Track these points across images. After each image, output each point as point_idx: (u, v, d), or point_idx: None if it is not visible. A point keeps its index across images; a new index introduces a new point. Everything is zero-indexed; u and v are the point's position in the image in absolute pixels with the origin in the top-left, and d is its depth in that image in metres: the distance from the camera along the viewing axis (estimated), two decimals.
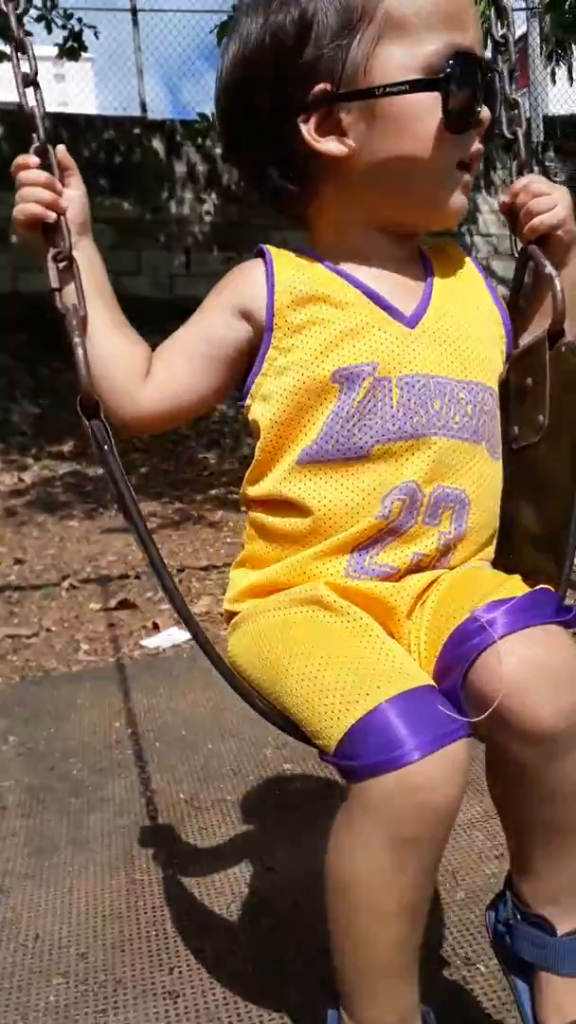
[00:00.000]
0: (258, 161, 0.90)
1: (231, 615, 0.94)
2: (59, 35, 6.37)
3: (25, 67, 0.92)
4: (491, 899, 0.89)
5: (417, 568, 0.85)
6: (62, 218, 0.87)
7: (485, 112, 0.84)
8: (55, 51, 6.48)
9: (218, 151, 7.02)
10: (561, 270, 0.89)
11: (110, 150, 6.84)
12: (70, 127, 6.71)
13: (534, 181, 0.92)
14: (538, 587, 0.79)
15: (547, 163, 7.78)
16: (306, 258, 0.90)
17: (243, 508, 0.93)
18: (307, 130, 0.84)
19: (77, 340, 0.83)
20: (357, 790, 0.69)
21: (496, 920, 0.86)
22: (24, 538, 4.01)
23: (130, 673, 2.35)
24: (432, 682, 0.74)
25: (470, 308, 0.92)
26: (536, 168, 7.71)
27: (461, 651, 0.73)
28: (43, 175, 0.87)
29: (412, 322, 0.86)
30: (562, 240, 0.91)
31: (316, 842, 1.46)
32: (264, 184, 0.90)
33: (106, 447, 0.81)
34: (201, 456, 5.45)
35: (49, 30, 6.24)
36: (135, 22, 7.32)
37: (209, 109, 6.63)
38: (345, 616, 0.79)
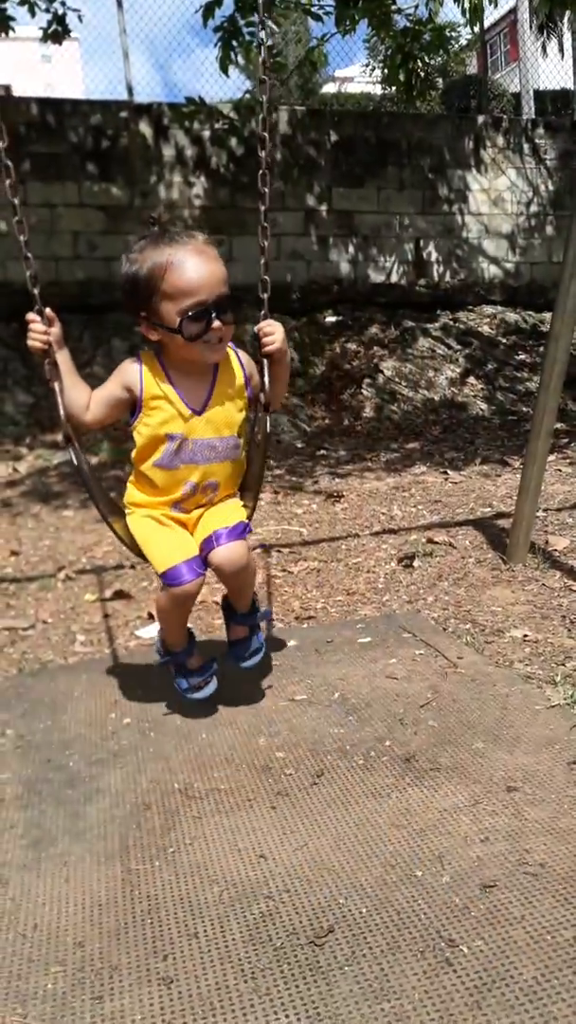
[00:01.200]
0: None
1: (127, 506, 1.98)
2: (43, 18, 6.30)
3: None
4: (223, 598, 2.12)
5: (197, 507, 1.94)
6: (51, 346, 1.84)
7: (216, 324, 1.76)
8: (39, 33, 6.41)
9: (207, 134, 6.96)
10: (276, 366, 1.93)
11: (97, 134, 6.77)
12: (56, 112, 6.65)
13: (266, 324, 1.88)
14: (238, 521, 1.89)
15: (536, 139, 7.71)
16: (159, 366, 1.85)
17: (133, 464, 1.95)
18: (143, 326, 1.82)
19: (59, 399, 1.86)
20: (167, 589, 1.83)
21: (225, 605, 2.12)
22: (19, 529, 4.03)
23: (126, 664, 2.38)
24: (198, 553, 1.85)
25: (230, 395, 1.89)
26: (526, 145, 7.65)
27: (206, 545, 1.86)
28: (41, 327, 1.83)
29: (200, 412, 1.86)
30: (278, 353, 1.91)
31: (308, 830, 1.51)
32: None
33: (77, 462, 1.91)
34: None
35: (32, 13, 6.16)
36: (120, 4, 7.22)
37: (198, 91, 6.55)
38: (168, 524, 1.92)
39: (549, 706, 1.91)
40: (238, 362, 1.92)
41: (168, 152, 6.93)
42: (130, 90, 7.04)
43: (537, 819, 1.49)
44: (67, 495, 4.65)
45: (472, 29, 6.16)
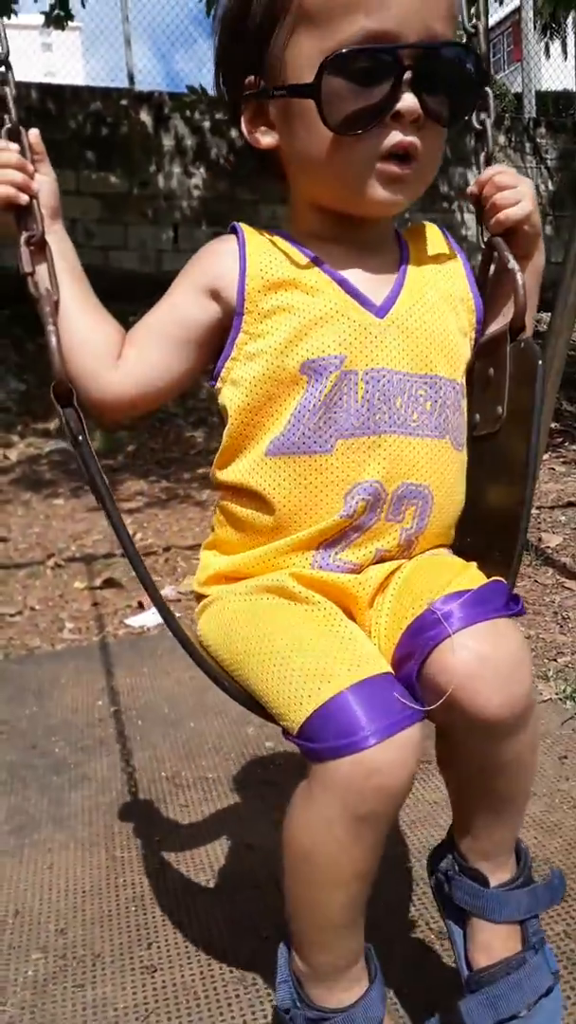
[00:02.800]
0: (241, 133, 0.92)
1: (200, 596, 0.97)
2: (45, 3, 6.23)
3: None
4: (432, 851, 0.96)
5: (379, 561, 0.89)
6: (34, 201, 0.88)
7: (406, 103, 0.78)
8: (41, 20, 6.35)
9: (207, 124, 6.92)
10: (525, 263, 0.92)
11: (97, 122, 6.72)
12: (56, 98, 6.59)
13: (500, 173, 0.92)
14: (491, 579, 0.82)
15: (538, 139, 7.71)
16: (279, 239, 0.90)
17: (214, 488, 0.96)
18: (244, 121, 0.89)
19: (51, 327, 0.85)
20: (317, 770, 0.74)
21: (438, 871, 0.93)
22: (9, 516, 3.99)
23: (114, 652, 2.35)
24: (390, 669, 0.78)
25: (442, 297, 0.92)
26: (528, 144, 7.65)
27: (418, 642, 0.78)
28: (15, 156, 0.88)
29: (382, 312, 0.87)
30: (527, 234, 0.92)
31: None
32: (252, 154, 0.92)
33: (80, 437, 0.83)
34: (188, 435, 5.42)
35: None
36: None
37: (199, 81, 6.53)
38: (310, 604, 0.83)
39: (540, 701, 1.90)
40: (447, 242, 0.97)
41: (168, 142, 6.89)
42: (131, 78, 6.99)
43: (528, 813, 1.47)
44: (58, 483, 4.61)
45: (480, 18, 6.09)
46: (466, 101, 0.86)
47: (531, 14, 10.37)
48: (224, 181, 6.96)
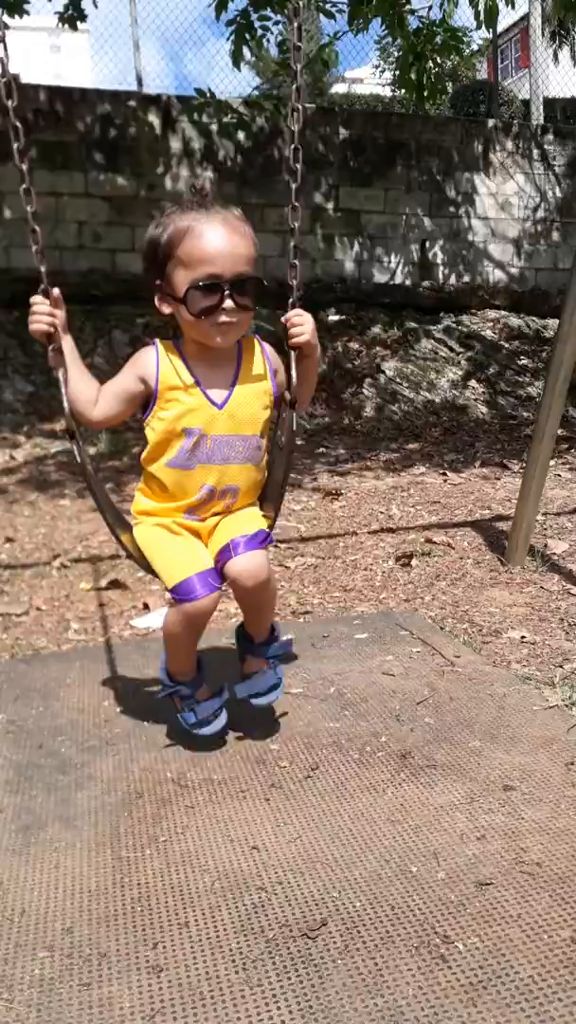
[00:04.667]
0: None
1: (134, 518, 1.80)
2: (59, 4, 6.26)
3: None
4: (237, 628, 1.92)
5: (214, 516, 1.74)
6: (57, 330, 1.64)
7: (227, 304, 1.59)
8: (51, 23, 6.37)
9: (214, 127, 6.94)
10: (308, 361, 1.72)
11: (105, 124, 6.74)
12: (64, 100, 6.61)
13: (295, 315, 1.68)
14: (258, 529, 1.70)
15: (546, 146, 7.71)
16: (177, 354, 1.69)
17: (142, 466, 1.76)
18: (156, 298, 1.68)
19: (64, 390, 1.66)
20: (177, 605, 1.64)
21: (240, 638, 1.90)
22: (15, 516, 4.00)
23: (119, 653, 2.36)
24: (212, 566, 1.66)
25: (254, 390, 1.72)
26: (535, 151, 7.65)
27: (222, 556, 1.67)
28: (47, 307, 1.63)
29: (221, 406, 1.68)
30: (308, 347, 1.70)
31: (302, 823, 1.49)
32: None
33: (87, 466, 1.73)
34: None
35: None
36: None
37: (207, 84, 6.54)
38: (182, 535, 1.72)
39: (547, 707, 1.90)
40: (263, 355, 1.74)
41: (175, 144, 6.90)
42: (139, 80, 7.02)
43: (534, 818, 1.48)
44: (64, 484, 4.62)
45: (487, 30, 6.13)
46: (256, 298, 1.63)
47: (539, 21, 10.38)
48: (231, 184, 6.98)
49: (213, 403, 1.66)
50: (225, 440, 1.67)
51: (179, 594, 1.61)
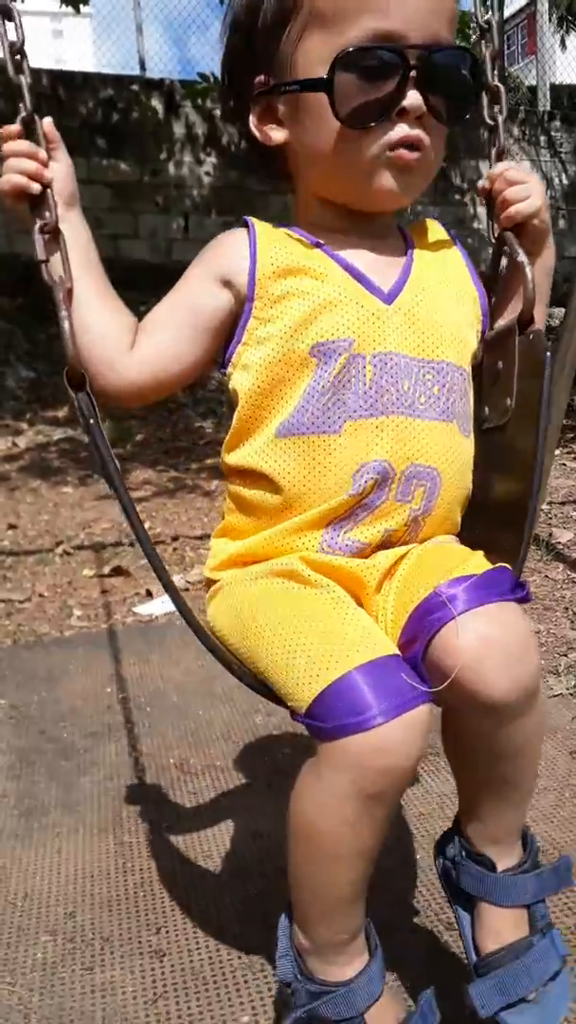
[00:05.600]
0: (243, 135, 0.96)
1: (211, 582, 0.98)
2: None
3: (12, 35, 0.91)
4: (439, 838, 0.97)
5: (387, 542, 0.90)
6: (48, 190, 0.89)
7: (411, 100, 0.82)
8: (53, 7, 6.32)
9: (218, 112, 6.88)
10: (534, 258, 0.93)
11: (107, 109, 6.70)
12: (67, 85, 6.56)
13: (511, 169, 0.93)
14: (497, 565, 0.83)
15: (552, 132, 7.65)
16: (288, 231, 0.92)
17: (224, 476, 0.97)
18: (252, 118, 0.92)
19: (63, 313, 0.86)
20: (326, 749, 0.75)
21: (444, 857, 0.94)
22: (18, 504, 4.00)
23: (122, 639, 2.35)
24: (397, 651, 0.79)
25: (448, 288, 0.94)
26: (542, 137, 7.59)
27: (424, 624, 0.79)
28: (26, 145, 0.89)
29: (389, 298, 0.89)
30: (536, 229, 0.94)
31: None
32: (251, 155, 0.96)
33: (92, 420, 0.84)
34: (197, 425, 5.42)
35: None
36: None
37: (211, 68, 6.48)
38: (319, 588, 0.84)
39: (551, 695, 1.89)
40: (459, 251, 0.99)
41: (179, 129, 6.86)
42: (142, 65, 6.96)
43: (538, 807, 1.47)
44: (66, 471, 4.61)
45: (493, 13, 6.04)
46: (466, 102, 0.89)
47: (546, 6, 10.28)
48: (235, 170, 6.93)
49: (374, 290, 0.89)
50: (406, 364, 0.88)
51: (329, 717, 0.74)
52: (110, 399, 0.91)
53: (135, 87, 6.76)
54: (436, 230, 0.99)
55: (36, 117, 0.90)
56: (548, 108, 8.93)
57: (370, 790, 0.73)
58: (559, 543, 3.06)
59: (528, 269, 0.89)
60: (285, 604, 0.84)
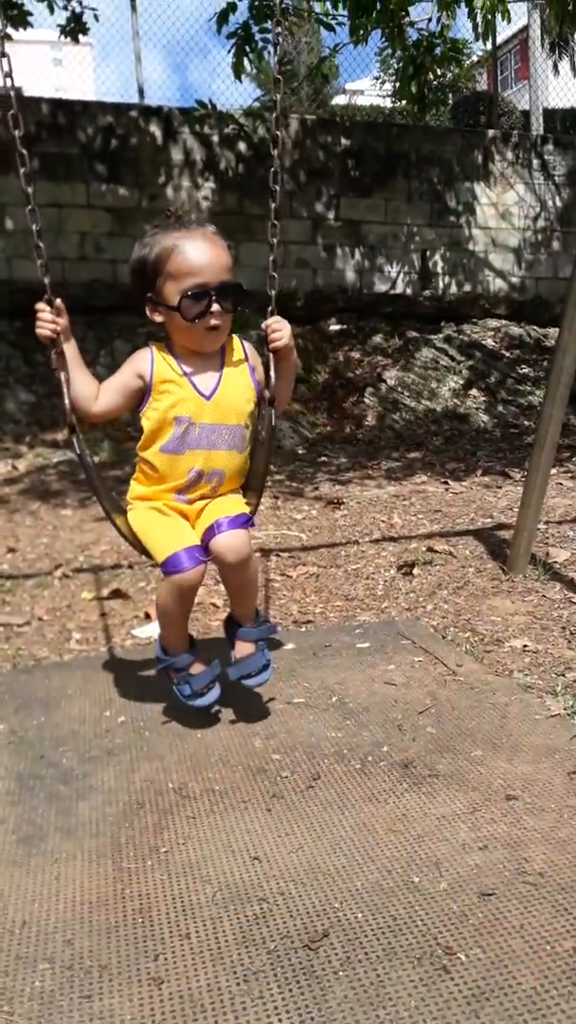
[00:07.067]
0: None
1: (127, 504, 1.97)
2: (61, 17, 6.32)
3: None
4: (227, 616, 2.07)
5: (201, 499, 1.91)
6: (60, 335, 1.82)
7: (215, 308, 1.79)
8: (53, 36, 6.43)
9: (216, 138, 6.98)
10: (287, 363, 1.94)
11: (107, 135, 6.78)
12: (66, 112, 6.66)
13: (275, 321, 1.90)
14: (240, 513, 1.87)
15: (546, 156, 7.74)
16: (169, 353, 1.88)
17: (136, 460, 1.95)
18: (147, 309, 1.88)
19: (64, 390, 1.83)
20: (167, 579, 1.80)
21: (229, 623, 2.04)
22: (17, 526, 4.00)
23: (121, 662, 2.35)
24: (199, 543, 1.82)
25: (238, 385, 1.91)
26: (536, 161, 7.68)
27: (208, 535, 1.84)
28: (50, 315, 1.81)
29: (208, 397, 1.86)
30: (287, 347, 1.91)
31: (304, 833, 1.48)
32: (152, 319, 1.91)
33: (80, 454, 1.89)
34: None
35: (51, 10, 6.18)
36: (133, 7, 7.25)
37: (209, 95, 6.58)
38: (171, 515, 1.89)
39: (549, 716, 1.89)
40: (243, 353, 1.94)
41: (177, 155, 6.94)
42: (141, 92, 7.06)
43: (536, 828, 1.47)
44: (66, 494, 4.63)
45: (484, 44, 6.17)
46: (237, 304, 1.84)
47: (539, 32, 10.45)
48: (233, 195, 7.02)
49: (201, 394, 1.85)
50: (212, 428, 1.86)
51: (168, 567, 1.77)
52: (86, 419, 1.90)
53: (134, 114, 6.85)
54: (238, 348, 1.93)
55: (54, 298, 1.80)
56: (541, 132, 9.05)
57: (179, 592, 1.82)
58: (556, 562, 3.07)
59: (272, 375, 1.92)
60: (156, 519, 1.88)
